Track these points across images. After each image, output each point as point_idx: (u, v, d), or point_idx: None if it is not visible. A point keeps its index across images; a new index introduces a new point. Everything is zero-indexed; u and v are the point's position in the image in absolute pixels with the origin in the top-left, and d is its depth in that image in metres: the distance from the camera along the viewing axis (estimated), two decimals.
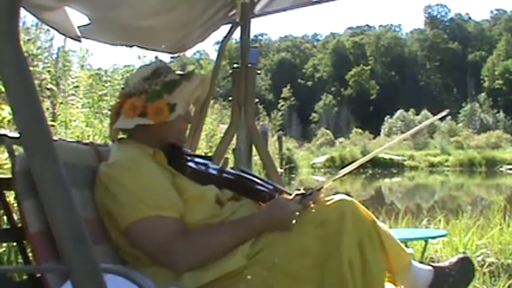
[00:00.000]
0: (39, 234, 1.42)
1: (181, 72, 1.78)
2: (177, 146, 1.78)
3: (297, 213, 1.65)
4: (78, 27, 2.11)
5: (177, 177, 1.66)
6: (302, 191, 1.73)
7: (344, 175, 1.85)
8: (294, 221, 1.63)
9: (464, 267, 1.84)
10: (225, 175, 1.79)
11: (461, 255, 1.89)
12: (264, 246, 1.60)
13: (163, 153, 1.71)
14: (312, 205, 1.69)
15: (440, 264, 1.88)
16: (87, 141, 2.02)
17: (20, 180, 1.44)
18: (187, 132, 2.79)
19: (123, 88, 1.80)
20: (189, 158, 1.77)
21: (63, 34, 2.20)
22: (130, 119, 1.67)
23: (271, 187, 1.82)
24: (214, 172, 1.78)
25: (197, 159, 1.80)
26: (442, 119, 51.16)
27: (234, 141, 2.95)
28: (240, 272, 1.55)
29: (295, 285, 1.52)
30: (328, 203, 1.64)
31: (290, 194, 1.79)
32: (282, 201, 1.68)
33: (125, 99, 1.71)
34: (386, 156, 33.17)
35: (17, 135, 1.60)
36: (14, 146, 1.51)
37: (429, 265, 1.86)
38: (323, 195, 1.73)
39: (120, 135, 1.81)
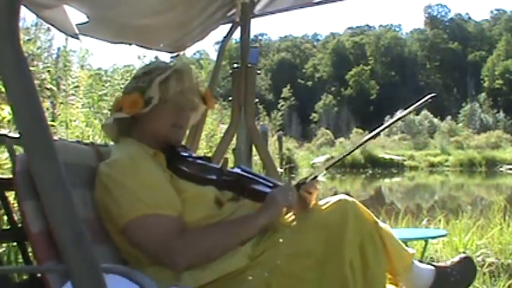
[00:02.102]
0: (40, 234, 1.41)
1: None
2: (176, 148, 1.77)
3: (292, 204, 1.67)
4: (77, 25, 2.12)
5: (175, 180, 1.66)
6: (298, 182, 1.75)
7: (335, 163, 1.88)
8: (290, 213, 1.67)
9: (466, 267, 1.84)
10: (224, 177, 1.79)
11: (463, 255, 1.89)
12: (266, 248, 1.60)
13: (163, 156, 1.71)
14: (309, 195, 1.72)
15: (442, 264, 1.87)
16: (88, 141, 2.02)
17: (21, 180, 1.44)
18: (188, 132, 2.81)
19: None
20: (188, 160, 1.76)
21: (62, 32, 2.20)
22: (112, 115, 1.71)
23: (271, 185, 1.82)
24: (214, 177, 1.77)
25: (196, 161, 1.79)
26: (441, 119, 51.24)
27: (234, 141, 2.95)
28: (241, 273, 1.55)
29: (296, 286, 1.53)
30: (329, 204, 1.64)
31: None
32: (277, 195, 1.67)
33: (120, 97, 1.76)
34: (387, 156, 33.20)
35: (17, 135, 1.60)
36: (14, 147, 1.51)
37: (431, 265, 1.85)
38: (318, 185, 1.76)
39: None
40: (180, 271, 1.54)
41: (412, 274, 1.76)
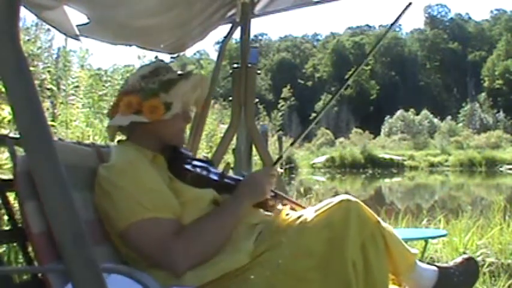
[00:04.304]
0: (41, 234, 1.41)
1: (180, 72, 1.77)
2: (178, 150, 1.77)
3: (272, 182, 1.78)
4: (77, 26, 2.12)
5: (175, 182, 1.66)
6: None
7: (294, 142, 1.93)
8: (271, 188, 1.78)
9: (469, 268, 1.83)
10: (226, 180, 1.79)
11: (466, 256, 1.88)
12: (268, 247, 1.60)
13: (164, 158, 1.71)
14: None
15: (445, 264, 1.87)
16: (89, 142, 2.01)
17: (21, 181, 1.43)
18: (188, 132, 2.81)
19: (122, 87, 1.79)
20: (189, 162, 1.76)
21: (62, 33, 2.20)
22: (126, 116, 1.67)
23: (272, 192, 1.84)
24: (215, 178, 1.78)
25: (198, 163, 1.79)
26: (441, 119, 51.28)
27: (234, 141, 2.95)
28: (242, 272, 1.55)
29: (298, 285, 1.52)
30: (332, 204, 1.64)
31: (296, 204, 1.94)
32: (254, 176, 1.77)
33: (122, 97, 1.70)
34: (387, 156, 33.21)
35: (18, 136, 1.59)
36: (16, 148, 1.50)
37: (434, 265, 1.85)
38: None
39: (119, 137, 1.81)
40: (182, 272, 1.53)
41: (415, 274, 1.76)
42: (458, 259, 1.86)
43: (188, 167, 1.73)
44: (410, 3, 1.98)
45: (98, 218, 1.62)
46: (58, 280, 1.36)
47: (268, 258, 1.57)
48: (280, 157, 1.88)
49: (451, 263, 1.85)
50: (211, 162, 1.89)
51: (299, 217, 1.70)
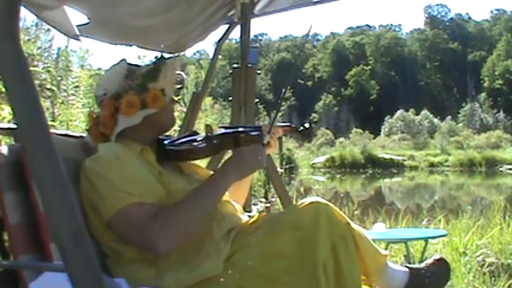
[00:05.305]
0: (19, 226, 1.41)
1: (153, 61, 1.77)
2: (162, 139, 1.81)
3: (262, 156, 1.73)
4: (77, 26, 2.12)
5: (164, 176, 1.67)
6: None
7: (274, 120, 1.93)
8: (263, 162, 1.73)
9: (440, 269, 1.84)
10: (214, 140, 1.83)
11: (437, 257, 1.88)
12: (237, 249, 1.61)
13: (151, 150, 1.72)
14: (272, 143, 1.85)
15: (416, 265, 1.88)
16: (77, 134, 2.00)
17: (3, 171, 1.43)
18: (179, 129, 2.81)
19: (104, 94, 1.72)
20: (177, 144, 1.82)
21: (62, 33, 2.20)
22: (135, 115, 1.67)
23: (256, 128, 1.90)
24: (204, 144, 1.82)
25: (184, 140, 1.84)
26: (441, 119, 51.26)
27: None
28: (214, 275, 1.56)
29: (268, 287, 1.54)
30: (302, 206, 1.65)
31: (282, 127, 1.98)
32: (241, 153, 1.72)
33: (115, 101, 1.69)
34: (387, 156, 33.22)
35: (3, 126, 1.59)
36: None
37: (405, 266, 1.86)
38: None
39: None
40: (163, 253, 1.53)
41: (386, 275, 1.76)
42: (430, 260, 1.87)
43: (176, 145, 1.80)
44: (311, 26, 1.97)
45: (79, 211, 1.60)
46: (30, 272, 1.35)
47: (237, 260, 1.58)
48: (260, 127, 1.88)
49: (422, 264, 1.86)
50: (196, 133, 1.93)
51: (269, 219, 1.72)
